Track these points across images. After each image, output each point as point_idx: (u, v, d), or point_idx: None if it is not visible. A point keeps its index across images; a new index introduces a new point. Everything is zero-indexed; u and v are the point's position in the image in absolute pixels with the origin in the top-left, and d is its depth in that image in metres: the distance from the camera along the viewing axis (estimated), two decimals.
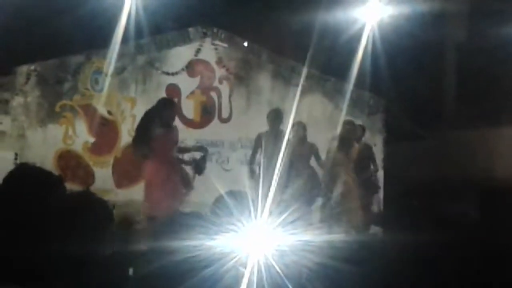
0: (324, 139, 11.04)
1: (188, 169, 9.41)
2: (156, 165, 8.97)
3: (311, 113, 11.91)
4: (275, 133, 10.07)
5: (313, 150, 10.53)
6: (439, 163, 11.69)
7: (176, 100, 11.46)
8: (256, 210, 3.56)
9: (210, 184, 9.40)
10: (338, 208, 10.05)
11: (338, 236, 8.96)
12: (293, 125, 10.32)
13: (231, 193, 3.85)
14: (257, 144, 10.25)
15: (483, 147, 11.87)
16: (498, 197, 10.84)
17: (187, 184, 9.25)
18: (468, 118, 11.90)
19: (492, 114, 11.61)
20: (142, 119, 9.18)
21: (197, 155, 9.60)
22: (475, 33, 12.11)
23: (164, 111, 9.11)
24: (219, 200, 3.81)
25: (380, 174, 12.05)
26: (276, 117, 10.22)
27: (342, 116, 11.15)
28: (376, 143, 12.06)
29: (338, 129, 10.44)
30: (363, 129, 11.29)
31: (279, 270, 2.92)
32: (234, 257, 2.84)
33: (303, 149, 10.38)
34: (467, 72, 12.28)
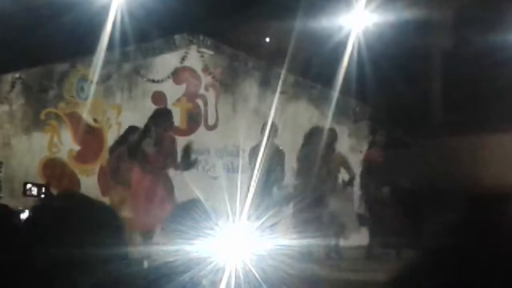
0: None
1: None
2: (143, 176, 8.99)
3: (297, 120, 11.93)
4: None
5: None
6: (425, 169, 11.70)
7: (162, 107, 11.47)
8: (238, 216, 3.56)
9: (196, 192, 9.44)
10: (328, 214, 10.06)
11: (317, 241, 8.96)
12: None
13: (184, 204, 3.84)
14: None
15: (468, 154, 11.90)
16: (484, 204, 10.89)
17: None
18: (454, 125, 11.93)
19: (478, 121, 11.64)
20: (130, 130, 9.27)
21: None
22: (461, 40, 12.16)
23: (156, 121, 9.15)
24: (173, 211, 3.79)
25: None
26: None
27: (328, 123, 11.18)
28: (362, 149, 12.09)
29: (324, 137, 10.44)
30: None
31: (257, 276, 2.92)
32: (212, 262, 2.84)
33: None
34: (452, 79, 12.32)
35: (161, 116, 9.43)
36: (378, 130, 10.98)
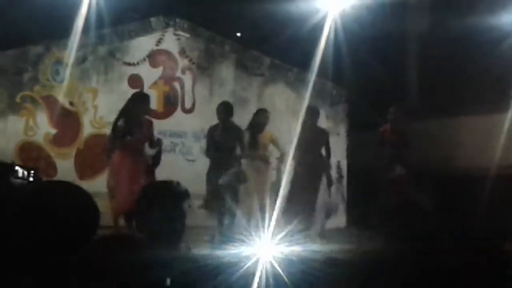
0: (287, 129, 11.08)
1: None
2: (123, 158, 9.00)
3: (274, 103, 11.94)
4: (226, 126, 9.91)
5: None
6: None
7: (138, 90, 11.45)
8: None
9: (173, 175, 9.42)
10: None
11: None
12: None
13: (158, 183, 3.84)
14: (209, 138, 10.04)
15: (444, 137, 11.97)
16: (459, 186, 10.96)
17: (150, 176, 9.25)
18: (430, 108, 12.00)
19: (454, 104, 11.71)
20: (118, 115, 9.26)
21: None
22: (437, 23, 12.18)
23: (134, 106, 9.14)
24: (144, 189, 3.78)
25: (343, 163, 12.12)
26: (225, 110, 10.00)
27: (304, 106, 11.17)
28: (339, 132, 12.12)
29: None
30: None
31: (285, 278, 2.96)
32: (243, 266, 2.86)
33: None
34: (429, 62, 12.36)
35: (140, 99, 9.38)
36: (392, 109, 10.50)
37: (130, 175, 8.90)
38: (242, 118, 11.74)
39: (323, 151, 10.30)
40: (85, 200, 2.35)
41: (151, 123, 9.50)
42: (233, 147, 9.74)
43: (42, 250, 1.55)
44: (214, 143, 9.76)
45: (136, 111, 9.13)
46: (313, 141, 10.12)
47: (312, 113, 10.31)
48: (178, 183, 3.82)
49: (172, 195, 3.74)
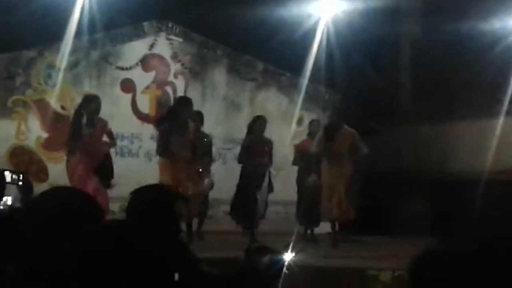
0: (279, 133, 11.08)
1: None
2: (78, 159, 8.97)
3: (266, 108, 11.94)
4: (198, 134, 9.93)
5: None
6: (394, 157, 11.79)
7: (131, 94, 11.48)
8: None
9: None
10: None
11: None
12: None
13: (147, 187, 3.81)
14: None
15: (437, 142, 12.00)
16: (451, 190, 10.97)
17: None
18: (422, 112, 12.02)
19: (446, 108, 11.73)
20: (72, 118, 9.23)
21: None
22: (429, 28, 12.22)
23: (86, 107, 9.08)
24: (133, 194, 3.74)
25: None
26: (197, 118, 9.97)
27: (297, 111, 11.17)
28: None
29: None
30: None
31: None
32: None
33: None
34: (421, 67, 12.39)
35: (90, 101, 9.31)
36: (313, 121, 10.71)
37: (81, 175, 8.88)
38: (234, 123, 11.77)
39: None
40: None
41: (105, 122, 9.39)
42: (204, 154, 9.77)
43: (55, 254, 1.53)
44: None
45: (88, 112, 9.08)
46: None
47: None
48: (168, 186, 3.81)
49: (165, 197, 3.73)
